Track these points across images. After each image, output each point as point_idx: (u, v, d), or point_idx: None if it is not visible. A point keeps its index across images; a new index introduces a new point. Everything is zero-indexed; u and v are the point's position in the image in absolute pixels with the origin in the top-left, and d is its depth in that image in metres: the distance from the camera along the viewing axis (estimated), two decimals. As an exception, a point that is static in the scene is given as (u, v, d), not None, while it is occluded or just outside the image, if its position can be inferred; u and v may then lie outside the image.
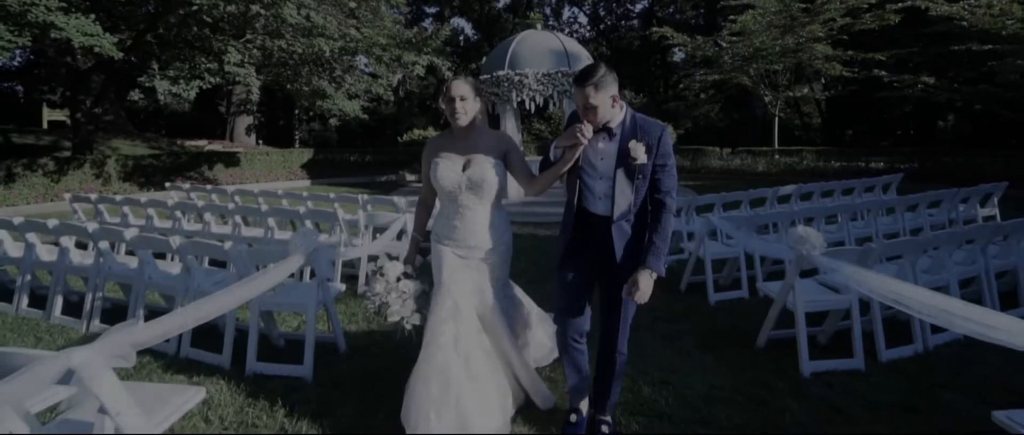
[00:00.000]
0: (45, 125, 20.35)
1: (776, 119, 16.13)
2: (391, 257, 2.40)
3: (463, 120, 2.21)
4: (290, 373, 2.87)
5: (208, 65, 8.64)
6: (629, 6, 37.30)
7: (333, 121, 14.17)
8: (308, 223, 4.89)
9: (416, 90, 26.18)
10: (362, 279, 4.44)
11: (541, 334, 2.66)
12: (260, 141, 22.61)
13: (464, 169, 2.27)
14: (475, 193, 2.26)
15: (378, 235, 5.38)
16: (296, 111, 16.86)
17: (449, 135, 2.36)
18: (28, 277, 3.93)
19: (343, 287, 3.79)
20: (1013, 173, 10.52)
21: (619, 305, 2.13)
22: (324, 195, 6.53)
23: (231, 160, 13.45)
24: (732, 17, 14.61)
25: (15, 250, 4.13)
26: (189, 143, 18.75)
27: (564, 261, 2.19)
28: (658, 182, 2.07)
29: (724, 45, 15.52)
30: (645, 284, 2.00)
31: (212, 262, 4.28)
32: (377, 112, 22.10)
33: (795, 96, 17.29)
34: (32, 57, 22.57)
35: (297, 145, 20.82)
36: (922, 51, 15.37)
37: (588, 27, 39.91)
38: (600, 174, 2.08)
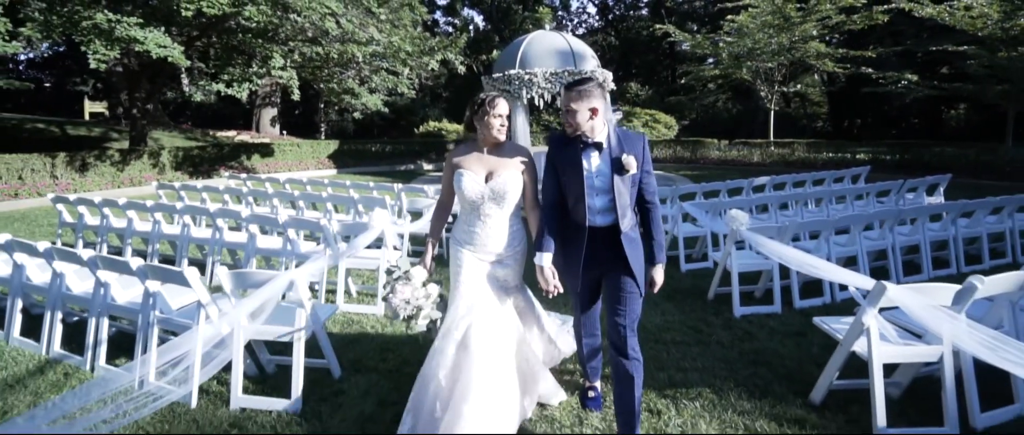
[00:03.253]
0: (87, 116, 21.69)
1: (772, 112, 17.02)
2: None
3: (504, 136, 2.36)
4: (368, 311, 4.06)
5: (257, 70, 9.82)
6: (637, -4, 37.52)
7: (356, 114, 15.25)
8: (360, 207, 6.07)
9: (429, 83, 27.15)
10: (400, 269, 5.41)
11: (549, 336, 2.81)
12: (284, 131, 23.88)
13: (487, 180, 2.36)
14: (497, 203, 2.35)
15: (412, 217, 6.55)
16: (322, 105, 18.04)
17: (473, 146, 2.43)
18: (157, 246, 5.16)
19: (400, 252, 4.98)
20: (982, 165, 11.42)
21: (629, 301, 2.25)
22: (364, 184, 7.70)
23: (266, 151, 14.73)
24: (730, 17, 15.46)
25: (142, 226, 5.36)
26: (220, 134, 20.04)
27: (574, 271, 2.28)
28: (645, 187, 2.27)
29: (721, 43, 16.37)
30: (660, 277, 2.35)
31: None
32: (393, 104, 23.20)
33: (790, 91, 18.08)
34: (61, 49, 23.92)
35: (323, 136, 22.04)
36: (910, 49, 16.11)
37: (597, 17, 40.31)
38: (598, 190, 2.19)
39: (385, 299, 2.34)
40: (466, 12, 36.09)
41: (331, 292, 4.37)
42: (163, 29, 8.54)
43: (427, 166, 17.43)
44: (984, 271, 5.15)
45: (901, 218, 4.93)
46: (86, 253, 3.01)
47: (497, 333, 2.30)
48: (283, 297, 2.74)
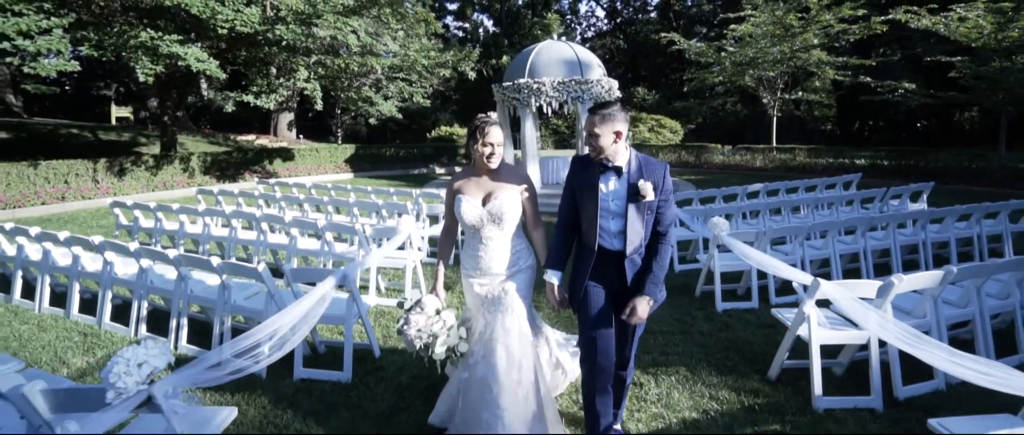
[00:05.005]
0: (114, 120, 22.68)
1: (774, 119, 17.46)
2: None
3: (495, 163, 2.40)
4: (394, 304, 4.67)
5: (284, 82, 10.52)
6: (647, -1, 37.84)
7: (372, 120, 15.98)
8: (384, 212, 6.70)
9: (441, 88, 27.86)
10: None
11: (556, 359, 2.82)
12: (300, 135, 24.73)
13: (484, 203, 2.41)
14: (496, 224, 2.39)
15: (430, 221, 7.17)
16: (338, 110, 18.85)
17: (472, 171, 2.48)
18: (207, 246, 5.83)
19: (422, 253, 5.60)
20: (975, 171, 11.82)
21: (630, 329, 2.31)
22: (385, 189, 8.34)
23: (287, 155, 15.51)
24: (732, 26, 15.94)
25: (193, 229, 6.04)
26: (241, 138, 20.88)
27: (588, 295, 2.27)
28: (661, 216, 2.23)
29: (723, 53, 16.85)
30: (642, 310, 2.19)
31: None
32: (406, 109, 23.97)
33: (793, 98, 18.49)
34: (82, 54, 24.99)
35: (339, 140, 22.85)
36: (919, 55, 16.45)
37: (605, 21, 40.77)
38: (613, 214, 2.20)
39: (400, 331, 2.32)
40: (476, 16, 36.81)
41: (363, 287, 4.99)
42: (200, 45, 9.27)
43: (439, 170, 18.13)
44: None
45: (884, 223, 5.44)
46: (171, 253, 3.65)
47: (512, 361, 2.31)
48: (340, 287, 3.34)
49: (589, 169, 2.24)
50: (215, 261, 3.42)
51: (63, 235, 4.21)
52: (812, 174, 13.85)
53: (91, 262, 4.32)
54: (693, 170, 16.89)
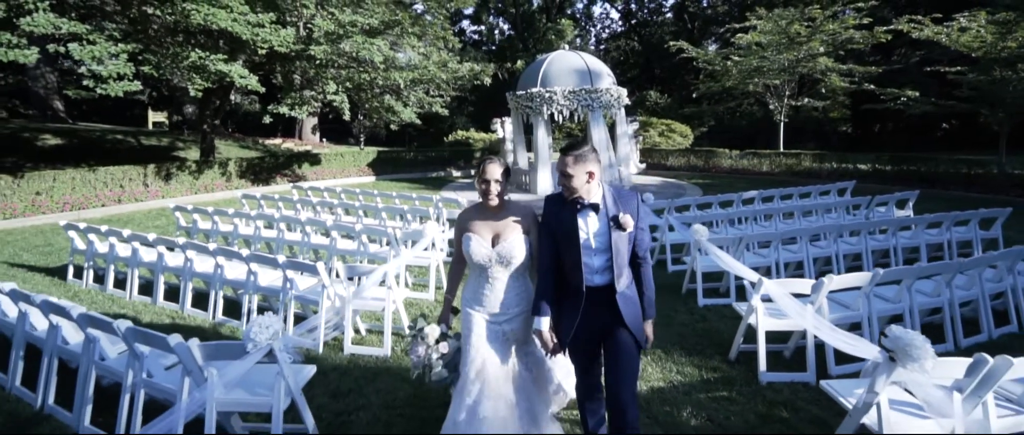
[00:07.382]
0: (150, 125, 24.06)
1: (781, 125, 17.88)
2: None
3: (495, 201, 2.43)
4: (420, 297, 5.48)
5: (314, 94, 11.48)
6: (662, 0, 38.10)
7: (392, 127, 16.92)
8: (408, 216, 7.53)
9: (458, 93, 28.75)
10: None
11: (558, 384, 2.85)
12: (323, 138, 25.87)
13: (494, 244, 2.45)
14: (503, 266, 2.44)
15: (448, 224, 7.96)
16: (360, 116, 19.95)
17: (480, 208, 2.52)
18: (258, 246, 6.72)
19: (444, 254, 6.40)
20: (973, 178, 12.19)
21: (628, 361, 2.30)
22: (408, 194, 9.17)
23: (314, 160, 16.56)
24: (739, 35, 16.45)
25: (245, 230, 6.94)
26: (269, 142, 22.05)
27: (573, 337, 2.32)
28: (639, 244, 2.30)
29: (730, 61, 17.35)
30: (651, 331, 2.41)
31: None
32: (424, 114, 25.00)
33: (800, 104, 18.88)
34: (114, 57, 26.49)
35: (362, 143, 23.93)
36: (929, 61, 16.73)
37: (620, 23, 41.19)
38: (596, 250, 2.23)
39: (408, 353, 2.56)
40: (491, 20, 37.63)
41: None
42: (239, 61, 10.26)
43: (456, 173, 19.03)
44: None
45: (859, 229, 6.06)
46: (243, 252, 4.50)
47: (504, 394, 2.41)
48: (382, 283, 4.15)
49: (565, 209, 2.29)
50: (280, 258, 4.26)
51: (152, 237, 5.11)
52: (817, 179, 14.27)
53: (171, 258, 5.22)
54: (701, 174, 17.42)
